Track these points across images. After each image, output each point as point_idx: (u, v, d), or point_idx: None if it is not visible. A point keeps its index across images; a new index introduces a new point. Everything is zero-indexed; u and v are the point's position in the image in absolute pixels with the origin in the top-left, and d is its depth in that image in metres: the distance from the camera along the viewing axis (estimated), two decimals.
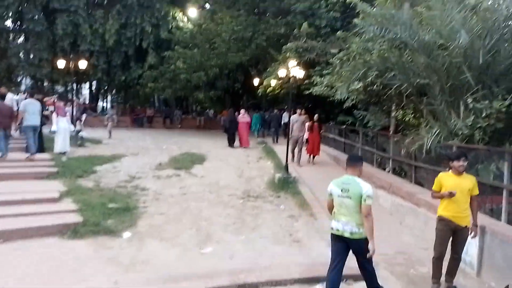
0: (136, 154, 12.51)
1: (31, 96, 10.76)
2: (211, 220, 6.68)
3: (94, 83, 28.97)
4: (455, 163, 4.22)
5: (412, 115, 7.59)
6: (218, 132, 21.75)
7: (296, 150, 11.43)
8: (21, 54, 21.54)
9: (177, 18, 23.43)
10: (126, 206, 7.13)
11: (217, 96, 23.79)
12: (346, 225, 3.58)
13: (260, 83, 17.23)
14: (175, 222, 6.52)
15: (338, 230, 3.64)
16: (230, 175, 10.43)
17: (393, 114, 9.27)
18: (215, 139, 17.82)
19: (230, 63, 19.02)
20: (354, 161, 3.83)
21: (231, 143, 15.54)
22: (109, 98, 36.14)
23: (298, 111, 11.57)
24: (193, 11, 22.38)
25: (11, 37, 22.49)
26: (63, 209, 6.53)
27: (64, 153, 11.01)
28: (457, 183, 4.20)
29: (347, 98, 9.09)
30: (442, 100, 6.76)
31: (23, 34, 23.00)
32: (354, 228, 3.56)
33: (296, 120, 11.25)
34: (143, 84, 22.19)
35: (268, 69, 16.77)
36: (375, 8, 9.63)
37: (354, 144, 11.77)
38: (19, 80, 24.96)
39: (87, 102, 29.76)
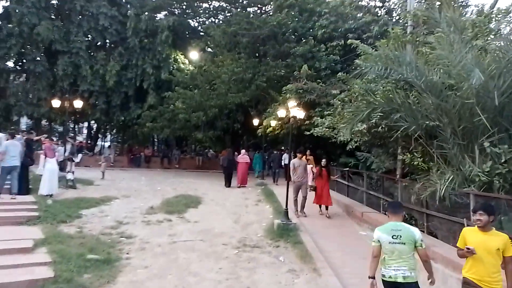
0: (128, 197, 11.87)
1: (12, 137, 10.35)
2: (201, 276, 5.93)
3: (93, 122, 28.81)
4: (472, 217, 3.64)
5: (421, 159, 7.05)
6: (217, 173, 21.15)
7: (299, 198, 10.07)
8: (19, 94, 21.46)
9: (178, 60, 23.68)
10: (107, 257, 6.40)
11: (216, 136, 23.46)
12: (398, 270, 3.61)
13: (260, 124, 16.93)
14: (159, 278, 5.78)
15: (390, 277, 3.63)
16: (225, 220, 9.73)
17: (399, 157, 8.73)
18: (213, 180, 17.20)
19: (230, 103, 18.83)
20: (398, 209, 3.95)
21: (227, 183, 15.53)
22: (108, 137, 35.93)
23: (299, 154, 10.27)
24: (194, 54, 22.62)
25: (11, 77, 22.57)
26: (35, 262, 5.82)
27: (50, 196, 10.39)
28: (482, 240, 3.56)
29: (350, 139, 8.60)
30: (454, 144, 6.25)
31: (24, 74, 23.12)
32: (406, 272, 3.59)
33: (298, 164, 9.95)
34: (141, 124, 21.95)
35: (268, 110, 16.53)
36: (376, 50, 9.45)
37: (357, 188, 11.14)
38: (16, 119, 24.80)
39: (84, 141, 29.44)
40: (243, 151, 16.30)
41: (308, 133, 12.40)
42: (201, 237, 8.14)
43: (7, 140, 10.11)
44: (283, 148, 20.50)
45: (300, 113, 9.55)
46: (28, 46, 21.48)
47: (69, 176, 12.25)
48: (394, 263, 3.61)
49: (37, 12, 21.08)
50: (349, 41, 11.54)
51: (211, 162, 24.50)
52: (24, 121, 31.90)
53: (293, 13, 19.24)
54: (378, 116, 7.72)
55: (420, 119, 6.85)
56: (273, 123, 15.68)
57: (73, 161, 12.54)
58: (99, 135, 31.80)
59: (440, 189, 5.81)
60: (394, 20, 18.90)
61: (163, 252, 7.04)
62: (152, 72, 22.47)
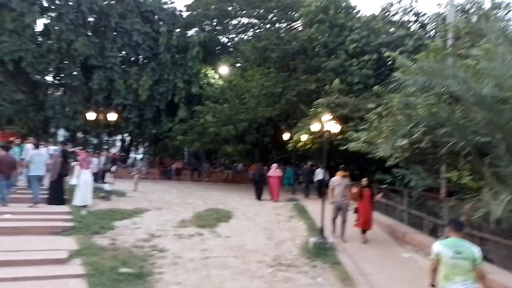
0: (160, 209, 11.84)
1: (37, 147, 10.77)
2: None
3: (126, 135, 29.52)
4: None
5: (470, 177, 6.58)
6: (246, 187, 20.96)
7: (338, 220, 9.19)
8: (57, 107, 22.30)
9: (208, 75, 24.03)
10: (139, 271, 6.28)
11: (246, 149, 23.40)
12: (464, 285, 3.68)
13: (291, 138, 16.68)
14: None
15: None
16: (258, 236, 9.45)
17: (443, 175, 8.23)
18: (242, 194, 16.99)
19: (259, 117, 18.77)
20: (460, 226, 4.09)
21: (258, 196, 15.53)
22: (140, 150, 36.71)
23: (341, 172, 9.31)
24: (224, 69, 22.89)
25: (50, 91, 23.53)
26: (69, 273, 5.78)
27: (84, 206, 10.52)
28: None
29: (390, 155, 8.21)
30: (509, 161, 5.78)
31: (61, 88, 24.07)
32: (470, 286, 3.69)
33: (338, 183, 9.09)
34: (172, 137, 22.25)
35: (298, 124, 16.29)
36: (415, 63, 9.10)
37: (396, 206, 10.61)
38: (53, 131, 25.76)
39: (117, 153, 30.16)
40: (274, 165, 16.26)
41: (343, 147, 12.01)
42: (233, 253, 7.91)
43: (33, 150, 10.46)
44: (311, 163, 20.12)
45: (335, 127, 9.24)
46: (65, 61, 22.41)
47: (107, 187, 12.37)
48: (460, 278, 3.70)
49: (75, 29, 22.03)
50: (386, 54, 11.21)
51: (240, 176, 24.38)
52: (61, 133, 33.16)
53: (323, 28, 19.11)
54: (421, 131, 7.32)
55: (468, 135, 6.42)
56: (304, 137, 15.40)
57: (111, 172, 12.70)
58: (132, 148, 32.50)
59: (495, 210, 5.34)
60: (428, 34, 18.43)
61: (195, 268, 6.85)
62: (183, 87, 22.88)
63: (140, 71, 23.72)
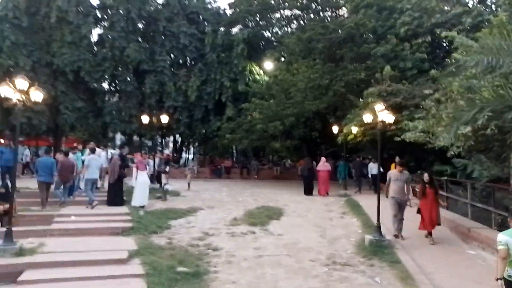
0: (212, 207, 12.05)
1: (93, 152, 11.45)
2: None
3: (178, 136, 30.51)
4: None
5: None
6: (296, 183, 20.73)
7: (397, 217, 8.35)
8: (114, 112, 23.58)
9: (253, 71, 24.04)
10: (196, 270, 6.39)
11: (294, 145, 23.13)
12: None
13: (340, 131, 16.14)
14: None
15: None
16: (310, 234, 9.25)
17: None
18: (292, 191, 16.82)
19: (307, 111, 18.40)
20: None
21: (308, 191, 15.42)
22: (191, 150, 37.81)
23: (399, 166, 8.55)
24: (268, 64, 22.74)
25: (106, 97, 24.96)
26: (129, 273, 6.01)
27: (142, 207, 10.99)
28: None
29: (451, 145, 7.58)
30: None
31: (117, 94, 25.41)
32: None
33: (396, 178, 8.28)
34: (221, 136, 22.57)
35: (348, 116, 15.70)
36: (476, 42, 8.32)
37: (458, 199, 9.84)
38: (111, 136, 27.32)
39: (170, 154, 31.29)
40: (323, 159, 16.17)
41: (397, 138, 11.36)
42: (286, 251, 7.80)
43: (89, 155, 11.09)
44: (362, 156, 19.41)
45: (389, 117, 8.70)
46: (119, 68, 23.58)
47: (168, 187, 12.85)
48: None
49: (126, 36, 23.09)
50: (443, 34, 10.40)
51: (289, 172, 24.17)
52: (118, 137, 35.11)
53: (371, 12, 18.23)
54: (486, 117, 6.67)
55: None
56: (355, 129, 14.82)
57: (167, 173, 13.13)
58: (183, 148, 33.55)
59: None
60: (489, 9, 16.89)
61: (249, 267, 6.84)
62: (229, 85, 23.09)
63: (188, 72, 24.31)
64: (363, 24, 17.77)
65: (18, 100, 7.30)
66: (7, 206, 8.41)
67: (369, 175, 16.26)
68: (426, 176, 8.17)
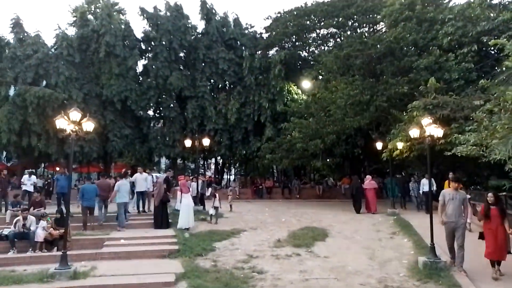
0: (255, 229, 11.97)
1: (122, 177, 12.27)
2: None
3: (219, 158, 31.03)
4: None
5: None
6: (339, 202, 20.19)
7: (455, 245, 7.30)
8: (158, 137, 24.51)
9: (291, 91, 24.13)
10: None
11: (335, 163, 22.65)
12: None
13: (384, 147, 15.59)
14: None
15: None
16: (359, 256, 8.88)
17: None
18: (336, 210, 16.35)
19: (348, 128, 18.01)
20: None
21: (357, 209, 15.60)
22: (232, 171, 38.22)
23: (454, 183, 7.49)
24: (306, 83, 22.73)
25: (152, 124, 26.06)
26: None
27: (187, 229, 11.16)
28: None
29: (509, 157, 7.04)
30: None
31: (161, 120, 26.47)
32: None
33: (451, 197, 7.23)
34: (261, 156, 22.63)
35: (392, 131, 15.18)
36: None
37: None
38: (156, 160, 28.33)
39: (212, 176, 31.78)
40: (368, 177, 16.22)
41: (449, 153, 10.77)
42: (334, 275, 7.51)
43: (118, 181, 11.69)
44: (410, 173, 18.60)
45: (437, 131, 8.29)
46: (163, 96, 24.64)
47: (211, 211, 12.78)
48: None
49: (169, 65, 24.19)
50: (491, 42, 9.86)
51: (331, 191, 23.60)
52: (163, 161, 36.32)
53: (410, 25, 17.80)
54: None
55: None
56: (400, 145, 14.26)
57: (214, 196, 13.25)
58: (225, 169, 33.99)
59: None
60: None
61: None
62: (268, 106, 23.28)
63: (228, 96, 24.87)
64: (403, 38, 17.36)
65: (72, 130, 7.81)
66: (62, 230, 8.91)
67: (421, 192, 15.40)
68: (490, 196, 6.99)
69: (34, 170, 27.80)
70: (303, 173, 31.42)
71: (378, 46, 17.62)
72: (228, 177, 35.36)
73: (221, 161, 31.95)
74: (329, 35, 25.12)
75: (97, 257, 8.43)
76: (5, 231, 9.58)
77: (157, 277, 6.90)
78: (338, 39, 24.34)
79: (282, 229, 11.85)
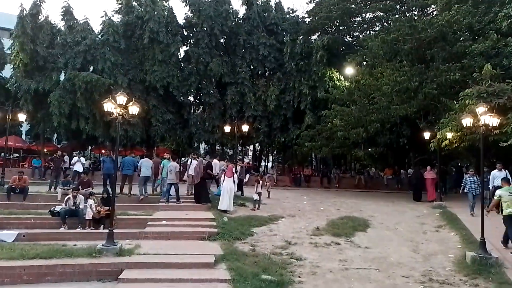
0: (293, 216, 11.91)
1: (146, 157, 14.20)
2: None
3: (257, 145, 31.11)
4: None
5: None
6: (381, 193, 19.61)
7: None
8: (198, 123, 24.90)
9: (333, 77, 23.45)
10: (280, 279, 6.30)
11: (378, 152, 21.87)
12: None
13: (432, 137, 14.79)
14: None
15: None
16: (401, 248, 8.57)
17: None
18: (377, 201, 15.89)
19: (393, 116, 17.23)
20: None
21: (417, 198, 16.43)
22: (270, 158, 38.21)
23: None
24: (349, 69, 21.95)
25: (192, 110, 26.47)
26: (216, 278, 6.16)
27: (226, 211, 11.43)
28: None
29: None
30: None
31: (201, 106, 26.83)
32: None
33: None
34: (300, 144, 22.35)
35: (441, 120, 14.33)
36: None
37: None
38: (196, 145, 28.85)
39: (250, 162, 31.98)
40: (428, 167, 16.82)
41: (504, 144, 10.02)
42: (375, 265, 7.30)
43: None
44: (459, 164, 17.61)
45: (493, 120, 7.71)
46: (203, 82, 24.89)
47: (255, 197, 12.95)
48: None
49: (210, 51, 24.32)
50: None
51: (373, 181, 22.95)
52: (202, 147, 37.01)
53: (465, 8, 16.55)
54: None
55: None
56: (450, 135, 13.47)
57: (258, 182, 13.38)
58: (262, 156, 34.05)
59: None
60: None
61: (335, 279, 6.53)
62: (308, 93, 22.83)
63: (267, 82, 24.65)
64: (457, 21, 16.19)
65: (118, 113, 8.06)
66: (107, 208, 9.33)
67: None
68: None
69: (82, 152, 29.41)
70: (343, 162, 30.79)
71: (429, 30, 16.53)
72: (266, 164, 35.43)
73: (259, 148, 32.00)
74: (375, 19, 24.00)
75: (140, 236, 8.74)
76: (57, 208, 10.19)
77: (197, 257, 7.04)
78: (385, 23, 23.21)
79: (321, 218, 11.69)
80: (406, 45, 17.21)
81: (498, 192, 7.96)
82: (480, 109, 7.76)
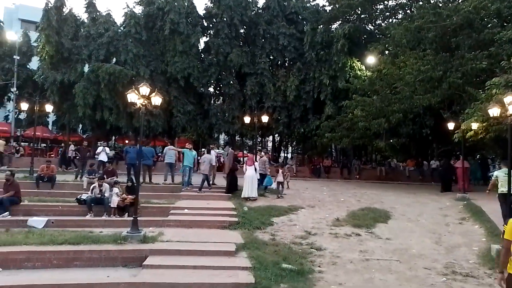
0: (313, 207, 11.91)
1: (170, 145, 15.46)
2: None
3: (276, 135, 31.11)
4: None
5: None
6: (403, 184, 19.33)
7: None
8: (218, 114, 25.08)
9: (354, 67, 23.06)
10: (300, 268, 6.37)
11: (400, 143, 21.49)
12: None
13: (457, 127, 14.41)
14: None
15: None
16: (423, 240, 8.48)
17: None
18: (399, 192, 15.68)
19: (416, 106, 16.86)
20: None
21: (446, 188, 16.05)
22: (289, 149, 38.14)
23: None
24: (371, 59, 21.52)
25: (212, 101, 26.66)
26: (237, 265, 6.27)
27: (247, 199, 11.86)
28: None
29: None
30: None
31: (221, 97, 26.98)
32: None
33: None
34: (320, 134, 22.20)
35: (466, 110, 13.92)
36: None
37: None
38: (216, 136, 29.12)
39: (269, 153, 32.01)
40: (461, 157, 16.43)
41: None
42: (396, 257, 7.27)
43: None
44: (484, 155, 17.15)
45: None
46: (223, 73, 24.99)
47: (275, 186, 13.62)
48: None
49: (229, 42, 24.35)
50: None
51: (394, 173, 22.59)
52: (222, 137, 37.30)
53: None
54: None
55: None
56: (475, 125, 13.09)
57: (278, 172, 13.76)
58: (282, 147, 34.03)
59: None
60: None
61: (356, 270, 6.54)
62: (328, 83, 22.57)
63: (287, 72, 24.51)
64: (484, 7, 15.56)
65: (142, 104, 8.23)
66: (132, 197, 9.59)
67: None
68: None
69: (106, 142, 30.14)
70: (364, 153, 30.42)
71: (454, 17, 16.00)
72: (285, 155, 35.39)
73: (278, 138, 31.99)
74: (398, 6, 23.35)
75: (163, 224, 8.97)
76: (84, 196, 10.56)
77: (219, 245, 7.19)
78: (408, 11, 22.59)
79: (341, 209, 11.66)
80: (430, 33, 16.72)
81: (495, 173, 9.20)
82: (508, 98, 7.51)
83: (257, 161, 13.61)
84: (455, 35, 16.61)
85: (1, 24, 28.07)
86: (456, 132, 14.20)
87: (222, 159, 21.01)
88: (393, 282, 6.00)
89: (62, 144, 21.40)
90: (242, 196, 11.95)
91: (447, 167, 17.26)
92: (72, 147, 21.01)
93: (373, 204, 12.42)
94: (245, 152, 32.30)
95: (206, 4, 26.03)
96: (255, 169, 12.62)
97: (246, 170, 12.54)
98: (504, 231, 3.75)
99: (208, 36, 26.22)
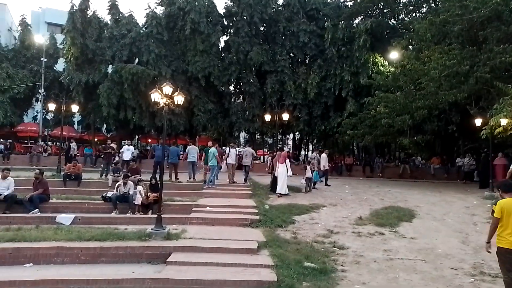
0: (335, 205, 11.79)
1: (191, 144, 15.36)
2: None
3: (297, 133, 30.94)
4: None
5: None
6: (428, 183, 18.86)
7: None
8: (239, 112, 25.16)
9: (377, 63, 22.64)
10: (322, 267, 6.32)
11: (425, 141, 20.94)
12: None
13: (484, 123, 13.92)
14: None
15: None
16: (449, 239, 8.26)
17: None
18: (424, 191, 15.30)
19: (441, 102, 16.37)
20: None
21: (484, 185, 15.58)
22: (310, 147, 37.89)
23: None
24: (394, 54, 21.07)
25: (232, 99, 26.76)
26: (259, 263, 6.28)
27: (279, 195, 12.40)
28: None
29: None
30: None
31: (241, 95, 27.04)
32: None
33: None
34: (342, 132, 21.92)
35: (495, 106, 13.42)
36: None
37: None
38: (236, 134, 29.22)
39: (290, 151, 31.89)
40: (500, 154, 16.39)
41: None
42: (421, 256, 7.11)
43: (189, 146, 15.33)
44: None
45: None
46: (243, 71, 25.03)
47: (303, 181, 14.24)
48: None
49: (249, 40, 24.36)
50: None
51: (419, 171, 22.05)
52: (242, 136, 37.42)
53: None
54: None
55: None
56: (504, 121, 12.60)
57: (306, 168, 14.47)
58: (302, 145, 33.82)
59: None
60: None
61: (379, 269, 6.44)
62: (350, 79, 22.26)
63: (308, 69, 24.31)
64: None
65: (165, 103, 8.36)
66: (155, 195, 9.77)
67: None
68: None
69: (130, 142, 30.80)
70: (387, 151, 29.88)
71: (482, 9, 15.45)
72: (306, 153, 35.17)
73: (299, 136, 31.81)
74: (422, 0, 22.80)
75: (186, 221, 9.10)
76: (109, 194, 10.83)
77: (241, 243, 7.22)
78: (433, 4, 21.99)
79: (364, 207, 11.49)
80: (456, 26, 16.22)
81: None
82: None
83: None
84: (482, 28, 16.05)
85: (29, 27, 29.03)
86: (484, 128, 13.70)
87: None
88: (418, 282, 5.88)
89: (66, 142, 21.92)
90: (277, 192, 12.62)
91: (486, 163, 16.47)
92: (74, 145, 21.56)
93: (397, 203, 12.18)
94: (264, 150, 32.32)
95: (226, 2, 26.19)
96: (286, 167, 12.94)
97: (278, 167, 13.00)
98: (493, 210, 4.73)
99: (228, 34, 26.32)
